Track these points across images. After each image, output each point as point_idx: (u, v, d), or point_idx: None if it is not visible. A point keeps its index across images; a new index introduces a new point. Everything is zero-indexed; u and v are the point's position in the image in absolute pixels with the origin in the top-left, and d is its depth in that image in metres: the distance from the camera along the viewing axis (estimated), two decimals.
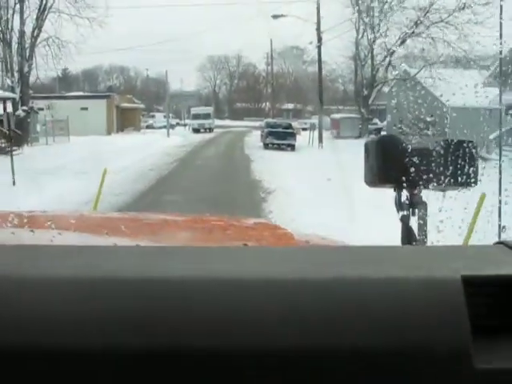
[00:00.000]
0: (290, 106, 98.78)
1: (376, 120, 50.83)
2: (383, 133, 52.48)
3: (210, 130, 61.69)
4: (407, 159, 1.40)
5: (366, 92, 44.20)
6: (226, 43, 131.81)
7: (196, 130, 60.47)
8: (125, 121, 56.67)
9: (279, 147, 33.97)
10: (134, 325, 0.67)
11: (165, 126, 67.84)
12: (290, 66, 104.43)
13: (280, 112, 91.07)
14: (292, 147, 34.75)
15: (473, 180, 1.48)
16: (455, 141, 1.49)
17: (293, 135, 35.20)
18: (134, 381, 0.67)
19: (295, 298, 0.71)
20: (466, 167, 1.45)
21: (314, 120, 67.34)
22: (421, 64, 41.43)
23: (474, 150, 1.49)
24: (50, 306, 0.69)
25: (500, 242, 0.94)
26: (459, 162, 1.44)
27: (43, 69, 34.27)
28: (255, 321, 0.69)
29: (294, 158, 27.24)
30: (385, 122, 54.41)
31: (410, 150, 1.41)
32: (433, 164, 1.42)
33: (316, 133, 36.53)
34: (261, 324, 0.69)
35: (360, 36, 43.41)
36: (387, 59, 43.32)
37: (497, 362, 0.70)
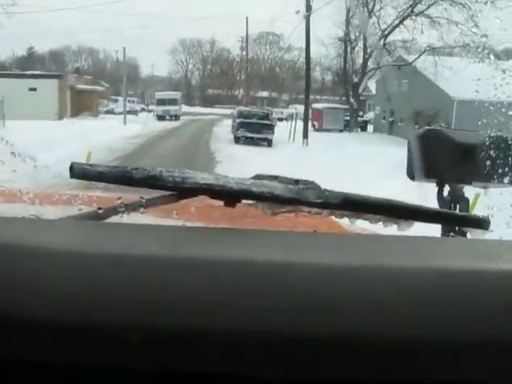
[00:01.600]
0: (265, 93, 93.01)
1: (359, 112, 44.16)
2: (370, 126, 46.52)
3: (177, 117, 54.66)
4: (451, 154, 1.40)
5: (356, 79, 37.38)
6: (200, 26, 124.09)
7: (161, 118, 53.38)
8: (81, 104, 49.35)
9: (253, 142, 27.34)
10: (202, 306, 0.67)
11: (127, 112, 60.97)
12: (266, 53, 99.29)
13: (254, 100, 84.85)
14: (269, 142, 28.10)
15: None
16: (500, 137, 1.46)
17: (270, 128, 28.51)
18: (155, 358, 0.66)
19: (360, 284, 0.69)
20: (510, 165, 1.43)
21: (291, 109, 60.90)
22: (420, 49, 34.82)
23: None
24: (119, 284, 0.68)
25: None
26: (503, 159, 1.43)
27: None
28: (313, 306, 0.67)
29: (274, 160, 20.32)
30: (371, 114, 47.95)
31: (454, 145, 1.41)
32: (476, 160, 1.40)
33: (297, 124, 29.78)
34: (322, 310, 0.67)
35: (351, 14, 36.73)
36: (381, 42, 36.61)
37: None
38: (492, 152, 1.41)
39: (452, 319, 0.67)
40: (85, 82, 51.98)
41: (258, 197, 1.02)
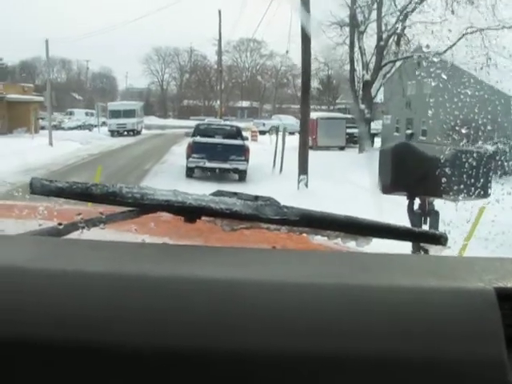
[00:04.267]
0: (246, 103, 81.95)
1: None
2: (377, 140, 35.12)
3: (135, 132, 43.03)
4: (422, 168, 1.39)
5: (367, 76, 25.95)
6: (176, 33, 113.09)
7: (115, 133, 41.84)
8: (15, 119, 37.82)
9: (216, 175, 16.09)
10: (161, 323, 0.66)
11: (79, 126, 49.36)
12: (247, 60, 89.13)
13: (233, 111, 74.19)
14: (241, 175, 16.74)
15: (485, 192, 1.45)
16: (471, 151, 1.46)
17: (242, 152, 16.89)
18: (144, 380, 0.65)
19: (322, 302, 0.69)
20: (480, 179, 1.43)
21: (275, 120, 49.61)
22: (456, 33, 23.55)
23: (489, 162, 1.46)
24: (78, 300, 0.67)
25: None
26: (473, 173, 1.42)
27: None
28: (270, 323, 0.67)
29: None
30: (377, 123, 36.66)
31: (424, 159, 1.40)
32: (447, 174, 1.38)
33: (283, 141, 18.37)
34: (277, 327, 0.67)
35: None
36: (398, 26, 25.31)
37: None
38: (461, 166, 1.39)
39: (438, 338, 0.66)
40: (20, 91, 40.31)
41: (217, 213, 1.01)
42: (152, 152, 26.64)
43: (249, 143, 18.04)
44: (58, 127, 47.75)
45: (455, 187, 1.37)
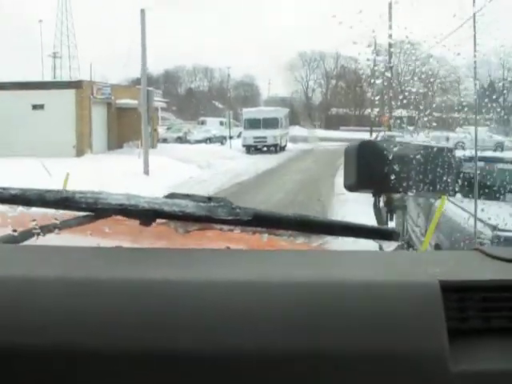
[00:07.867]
0: (404, 112, 69.14)
1: None
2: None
3: (277, 147, 31.78)
4: (387, 165, 1.35)
5: None
6: (321, 38, 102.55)
7: (251, 149, 31.10)
8: (128, 129, 28.19)
9: None
10: (114, 326, 0.67)
11: (209, 139, 38.95)
12: (400, 65, 76.72)
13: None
14: None
15: (451, 188, 1.44)
16: (435, 148, 1.44)
17: None
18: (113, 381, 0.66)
19: (274, 300, 0.70)
20: (445, 175, 1.41)
21: (462, 134, 36.67)
22: None
23: (452, 158, 1.44)
24: (34, 306, 0.68)
25: (475, 249, 0.94)
26: (438, 169, 1.40)
27: None
28: (224, 322, 0.68)
29: None
30: None
31: (389, 157, 1.36)
32: (412, 171, 1.37)
33: None
34: (234, 326, 0.67)
35: None
36: None
37: (472, 364, 0.69)
38: (424, 162, 1.38)
39: (384, 331, 0.67)
40: (136, 96, 30.51)
41: (171, 215, 1.00)
42: (304, 192, 15.24)
43: None
44: (183, 140, 37.93)
45: (419, 183, 1.36)
